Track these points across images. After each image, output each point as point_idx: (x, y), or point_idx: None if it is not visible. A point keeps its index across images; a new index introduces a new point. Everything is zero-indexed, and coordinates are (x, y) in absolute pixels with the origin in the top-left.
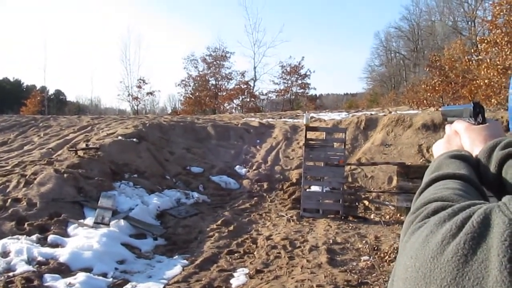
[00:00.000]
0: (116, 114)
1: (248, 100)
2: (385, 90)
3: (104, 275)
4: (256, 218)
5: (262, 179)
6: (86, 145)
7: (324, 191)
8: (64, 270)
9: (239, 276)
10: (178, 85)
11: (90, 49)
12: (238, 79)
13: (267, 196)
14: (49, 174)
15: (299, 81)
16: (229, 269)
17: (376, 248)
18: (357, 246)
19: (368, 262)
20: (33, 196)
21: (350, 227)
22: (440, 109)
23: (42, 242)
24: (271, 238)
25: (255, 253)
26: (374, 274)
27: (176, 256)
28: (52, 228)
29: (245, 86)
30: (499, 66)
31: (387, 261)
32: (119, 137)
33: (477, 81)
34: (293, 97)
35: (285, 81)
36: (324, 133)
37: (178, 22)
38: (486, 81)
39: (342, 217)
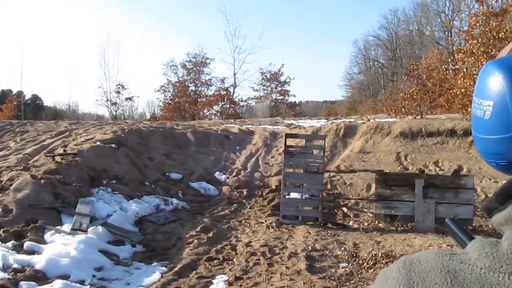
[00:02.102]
0: (94, 119)
1: (227, 106)
2: (364, 98)
3: (82, 282)
4: (235, 225)
5: (242, 185)
6: (64, 150)
7: (303, 198)
8: (40, 278)
9: (218, 283)
10: (158, 90)
11: (68, 54)
12: (218, 86)
13: (247, 203)
14: (25, 180)
15: (279, 88)
16: (208, 276)
17: (354, 255)
18: (336, 253)
19: (347, 269)
20: (9, 202)
21: (329, 234)
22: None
23: (18, 249)
24: (251, 244)
25: (234, 260)
26: (353, 281)
27: (155, 263)
28: (28, 234)
29: (225, 92)
30: (475, 76)
31: (366, 267)
32: (98, 143)
33: (454, 90)
34: (273, 103)
35: (264, 87)
36: (304, 140)
37: (157, 27)
38: (462, 90)
39: (321, 224)
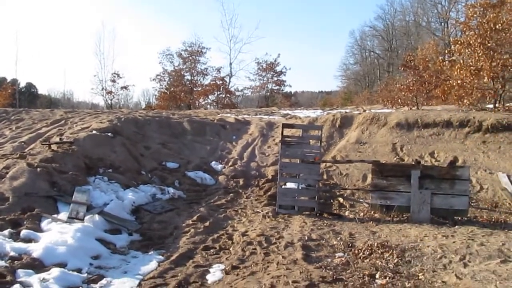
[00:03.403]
0: (89, 108)
1: (223, 96)
2: (359, 88)
3: (79, 270)
4: (231, 214)
5: (238, 175)
6: (60, 139)
7: (300, 188)
8: (37, 266)
9: (215, 272)
10: (153, 79)
11: (63, 42)
12: (214, 75)
13: (243, 192)
14: (21, 168)
15: (275, 78)
16: (205, 265)
17: (350, 245)
18: (332, 243)
19: (343, 259)
20: (5, 190)
21: (325, 224)
22: None
23: (15, 237)
24: (247, 234)
25: (231, 249)
26: (349, 271)
27: (152, 252)
28: (25, 223)
29: (221, 82)
30: (471, 67)
31: (361, 257)
32: (94, 131)
33: (450, 82)
34: (269, 93)
35: (260, 77)
36: (300, 130)
37: (153, 16)
38: (459, 81)
39: (317, 214)
